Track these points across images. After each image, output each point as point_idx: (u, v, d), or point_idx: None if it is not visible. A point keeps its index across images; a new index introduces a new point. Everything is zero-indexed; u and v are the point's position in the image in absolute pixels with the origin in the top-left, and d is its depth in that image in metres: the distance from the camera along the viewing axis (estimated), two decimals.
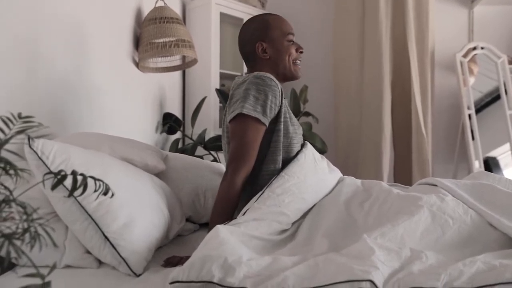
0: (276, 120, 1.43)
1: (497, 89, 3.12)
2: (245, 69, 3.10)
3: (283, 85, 1.58)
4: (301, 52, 1.56)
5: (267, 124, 1.41)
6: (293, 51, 1.53)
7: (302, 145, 1.52)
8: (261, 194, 1.30)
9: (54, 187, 0.72)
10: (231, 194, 1.33)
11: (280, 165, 1.43)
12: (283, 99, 1.46)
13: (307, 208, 1.37)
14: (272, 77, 1.43)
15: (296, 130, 1.50)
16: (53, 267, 0.60)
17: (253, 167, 1.41)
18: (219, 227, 1.08)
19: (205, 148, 2.61)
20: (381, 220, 1.22)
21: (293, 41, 1.54)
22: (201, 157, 2.46)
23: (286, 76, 1.55)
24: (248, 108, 1.37)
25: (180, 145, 2.84)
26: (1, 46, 1.31)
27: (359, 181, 1.54)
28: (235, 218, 1.24)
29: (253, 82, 1.41)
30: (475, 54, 3.14)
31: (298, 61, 1.56)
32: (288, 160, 1.45)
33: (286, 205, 1.27)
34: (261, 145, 1.42)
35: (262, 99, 1.38)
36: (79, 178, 0.72)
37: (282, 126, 1.43)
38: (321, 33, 3.43)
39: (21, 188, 0.85)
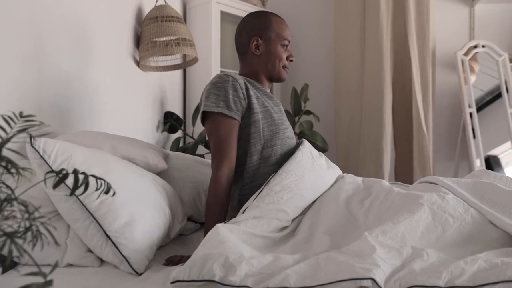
0: (250, 112, 1.46)
1: (498, 87, 3.12)
2: None
3: (273, 84, 1.62)
4: (291, 61, 1.60)
5: (236, 117, 1.45)
6: (284, 56, 1.57)
7: (299, 143, 1.54)
8: (260, 192, 1.32)
9: (55, 186, 0.72)
10: (218, 189, 1.38)
11: (264, 153, 1.46)
12: (257, 90, 1.51)
13: (306, 204, 1.38)
14: (231, 74, 1.48)
15: (281, 117, 1.54)
16: (55, 265, 0.60)
17: (240, 161, 1.46)
18: (219, 226, 1.09)
19: (206, 146, 2.61)
20: (382, 218, 1.22)
21: (287, 46, 1.58)
22: (202, 156, 2.46)
23: (272, 77, 1.59)
24: (210, 106, 1.43)
25: (181, 144, 2.84)
26: (4, 44, 1.31)
27: (359, 179, 1.54)
28: (235, 217, 1.25)
29: (212, 82, 1.48)
30: (476, 52, 3.14)
31: (287, 67, 1.60)
32: (287, 152, 1.49)
33: (285, 202, 1.29)
34: (243, 139, 1.47)
35: (223, 94, 1.44)
36: (81, 177, 0.72)
37: (260, 116, 1.47)
38: (322, 32, 3.43)
39: (23, 187, 0.85)
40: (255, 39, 1.55)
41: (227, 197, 1.39)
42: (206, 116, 1.48)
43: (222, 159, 1.41)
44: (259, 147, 1.47)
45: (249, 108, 1.46)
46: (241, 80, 1.48)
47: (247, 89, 1.47)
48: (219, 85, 1.45)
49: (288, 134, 1.54)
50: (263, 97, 1.52)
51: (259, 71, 1.57)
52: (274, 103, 1.56)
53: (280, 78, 1.59)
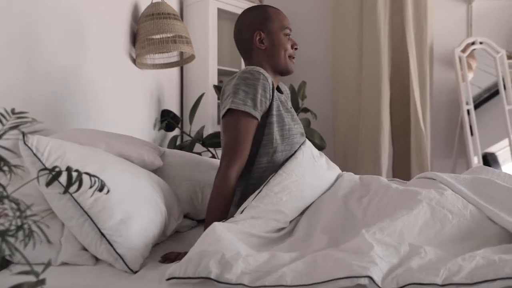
0: (267, 113, 1.43)
1: (495, 84, 3.11)
2: (243, 65, 3.09)
3: (280, 78, 1.58)
4: (296, 49, 1.55)
5: (258, 117, 1.41)
6: (288, 46, 1.53)
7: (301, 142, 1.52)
8: (259, 192, 1.30)
9: (49, 183, 0.71)
10: (225, 187, 1.34)
11: (274, 158, 1.43)
12: (276, 93, 1.46)
13: (305, 206, 1.36)
14: (261, 71, 1.43)
15: (290, 122, 1.50)
16: (48, 264, 0.59)
17: (249, 160, 1.42)
18: (216, 224, 1.08)
19: (203, 145, 2.60)
20: (380, 215, 1.22)
21: (289, 36, 1.54)
22: (199, 154, 2.45)
23: (280, 70, 1.54)
24: (237, 103, 1.38)
25: (178, 142, 2.83)
26: None
27: (357, 176, 1.54)
28: (233, 216, 1.24)
29: (242, 77, 1.41)
30: (474, 49, 3.13)
31: (293, 57, 1.55)
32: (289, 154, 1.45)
33: (284, 203, 1.27)
34: (255, 138, 1.42)
35: (252, 93, 1.39)
36: (74, 174, 0.71)
37: (274, 119, 1.44)
38: (319, 29, 3.41)
39: (15, 185, 0.84)
40: (257, 33, 1.50)
41: (232, 197, 1.36)
42: (228, 110, 1.42)
43: (235, 158, 1.37)
44: (269, 150, 1.43)
45: (269, 109, 1.43)
46: (270, 79, 1.43)
47: (272, 89, 1.43)
48: (249, 82, 1.39)
49: (297, 139, 1.50)
50: (280, 100, 1.48)
51: (266, 68, 1.51)
52: (284, 109, 1.50)
53: (287, 70, 1.54)
